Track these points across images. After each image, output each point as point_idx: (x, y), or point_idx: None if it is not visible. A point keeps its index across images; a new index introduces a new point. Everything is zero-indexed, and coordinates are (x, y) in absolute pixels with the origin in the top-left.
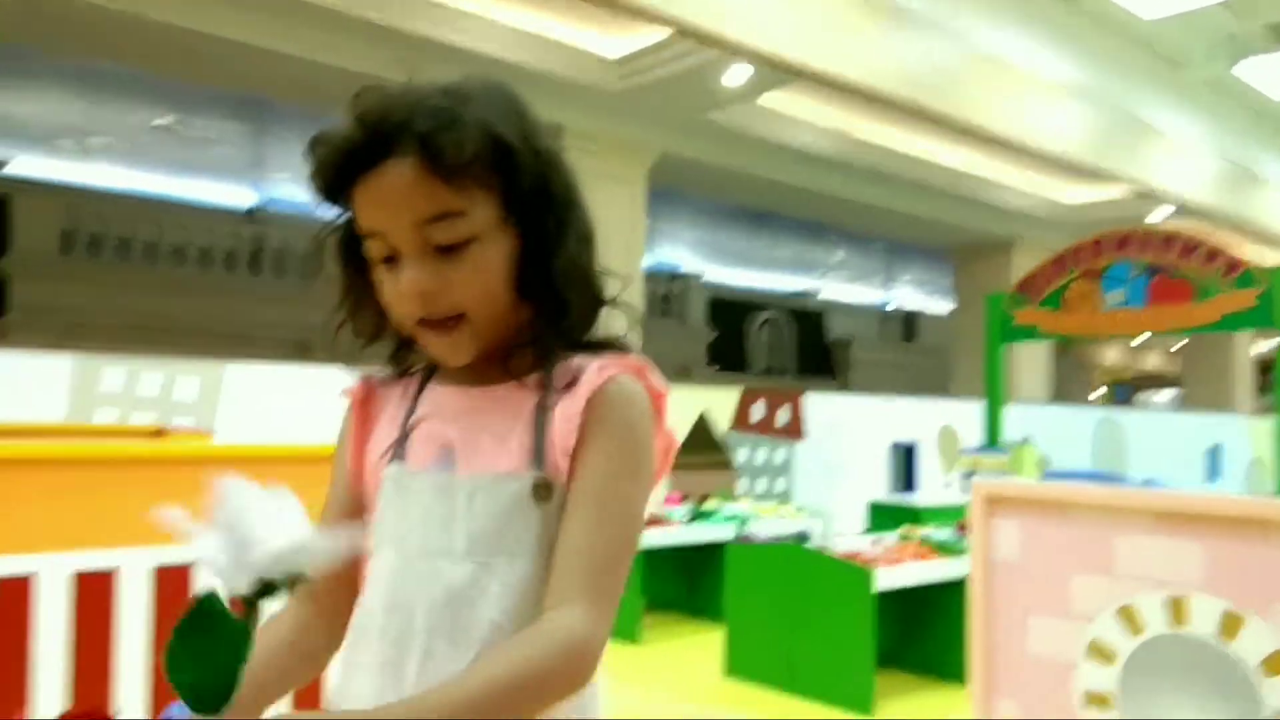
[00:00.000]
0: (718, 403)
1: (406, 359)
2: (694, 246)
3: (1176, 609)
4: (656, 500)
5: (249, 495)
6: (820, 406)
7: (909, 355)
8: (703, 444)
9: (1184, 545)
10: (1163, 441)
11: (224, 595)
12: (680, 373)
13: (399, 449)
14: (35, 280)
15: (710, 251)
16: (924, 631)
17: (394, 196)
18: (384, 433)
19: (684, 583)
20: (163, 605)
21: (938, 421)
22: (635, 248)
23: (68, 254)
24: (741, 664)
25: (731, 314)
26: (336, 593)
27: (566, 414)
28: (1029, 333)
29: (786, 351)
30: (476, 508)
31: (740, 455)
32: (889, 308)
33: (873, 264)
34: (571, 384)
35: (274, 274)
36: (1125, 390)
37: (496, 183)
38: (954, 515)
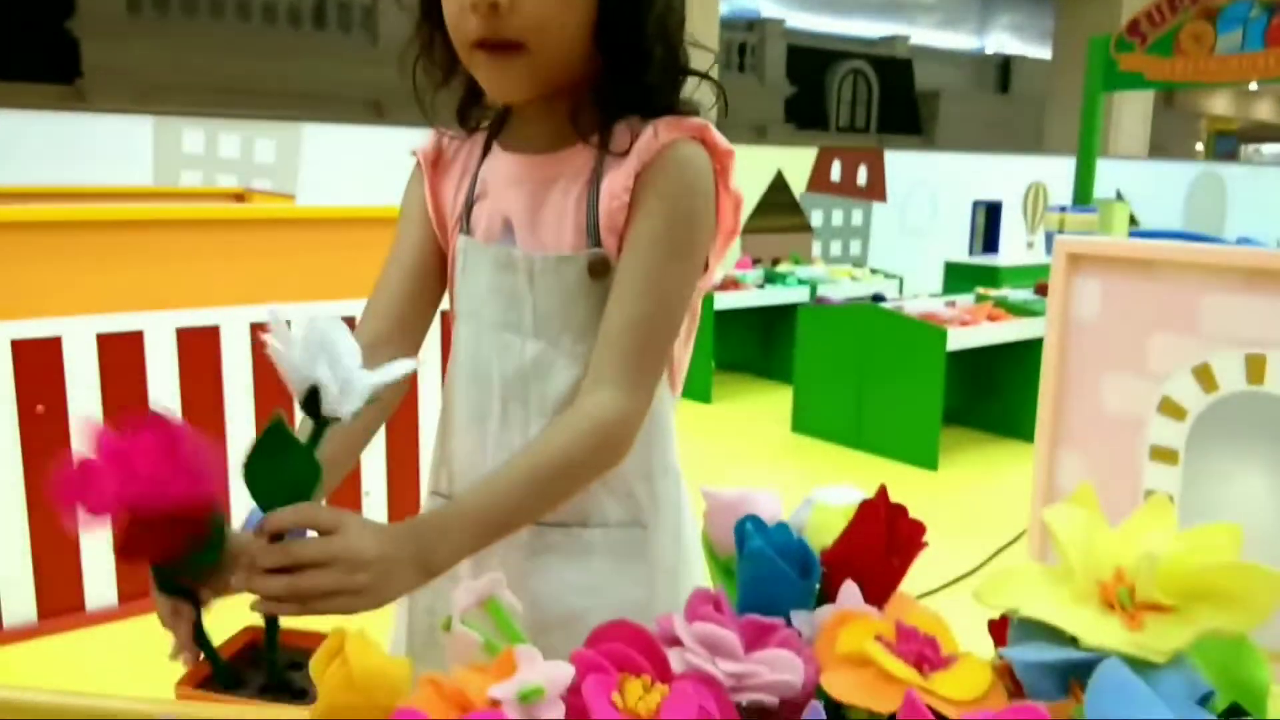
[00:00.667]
0: (794, 162)
1: (473, 113)
2: None
3: (1254, 367)
4: (728, 264)
5: (335, 329)
6: (902, 165)
7: (1002, 107)
8: (778, 206)
9: (1272, 303)
10: (1265, 198)
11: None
12: (756, 132)
13: (465, 219)
14: (105, 40)
15: None
16: (993, 391)
17: None
18: (451, 198)
19: (756, 345)
20: (260, 359)
21: (1027, 178)
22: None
23: (135, 12)
24: (809, 421)
25: (812, 65)
26: (408, 338)
27: (614, 188)
28: (1134, 80)
29: (870, 106)
30: (539, 286)
31: (815, 218)
32: (984, 54)
33: (967, 6)
34: (631, 149)
35: (340, 29)
36: (1230, 142)
37: None
38: (1033, 275)
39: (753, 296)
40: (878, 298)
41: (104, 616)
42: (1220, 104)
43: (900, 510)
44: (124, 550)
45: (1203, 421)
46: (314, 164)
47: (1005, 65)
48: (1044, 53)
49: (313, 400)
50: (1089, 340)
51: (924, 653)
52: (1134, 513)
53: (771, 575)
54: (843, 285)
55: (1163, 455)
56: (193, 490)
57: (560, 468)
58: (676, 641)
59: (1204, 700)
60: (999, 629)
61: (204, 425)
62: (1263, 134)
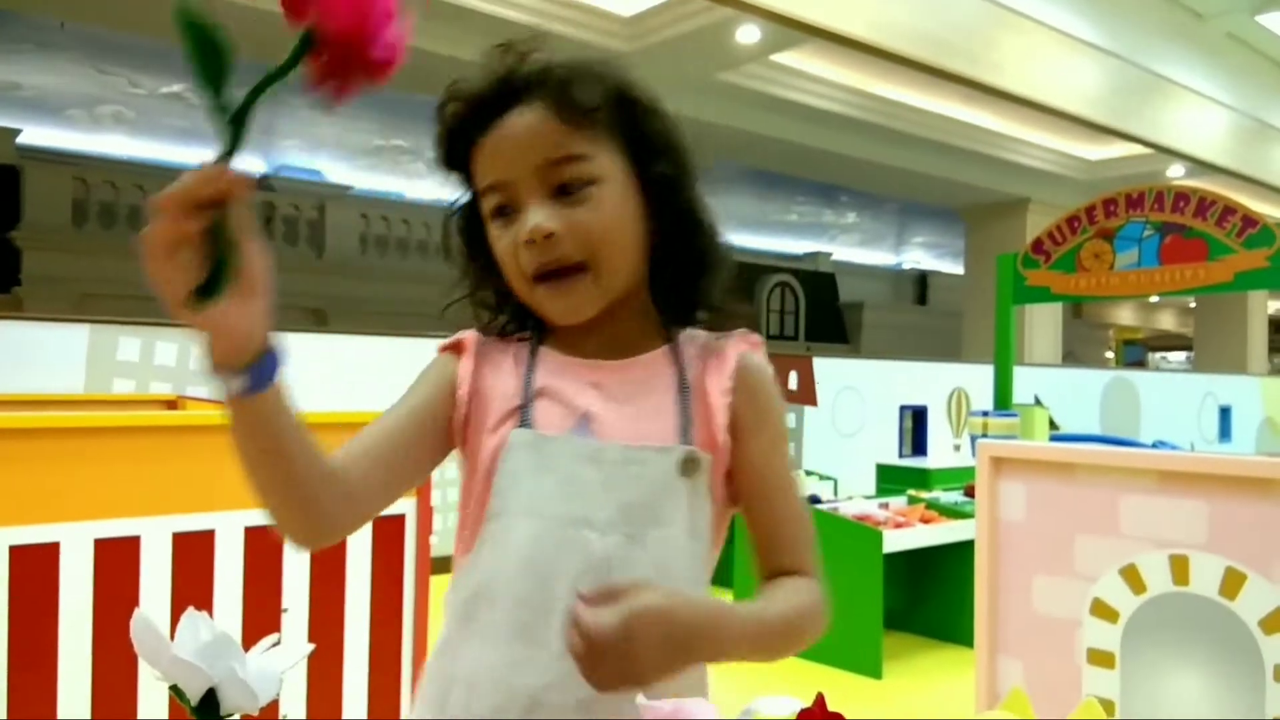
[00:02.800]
0: None
1: (511, 329)
2: None
3: (1178, 567)
4: None
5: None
6: (830, 371)
7: (921, 317)
8: None
9: (1187, 505)
10: (1174, 402)
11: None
12: None
13: (525, 416)
14: (47, 250)
15: (721, 215)
16: (932, 594)
17: (518, 140)
18: (498, 392)
19: None
20: (181, 572)
21: (948, 384)
22: None
23: (80, 225)
24: None
25: (743, 278)
26: (371, 485)
27: (719, 388)
28: (1041, 294)
29: (797, 315)
30: (626, 478)
31: None
32: (901, 269)
33: (885, 226)
34: (711, 357)
35: (286, 242)
36: (1138, 351)
37: (622, 135)
38: (962, 478)
39: None
40: (813, 499)
41: None
42: (1126, 315)
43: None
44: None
45: (1135, 623)
46: None
47: (922, 279)
48: (957, 268)
49: (210, 702)
50: (1018, 542)
51: None
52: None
53: None
54: None
55: (1100, 659)
56: None
57: (800, 624)
58: None
59: None
60: None
61: (119, 638)
62: (1168, 342)
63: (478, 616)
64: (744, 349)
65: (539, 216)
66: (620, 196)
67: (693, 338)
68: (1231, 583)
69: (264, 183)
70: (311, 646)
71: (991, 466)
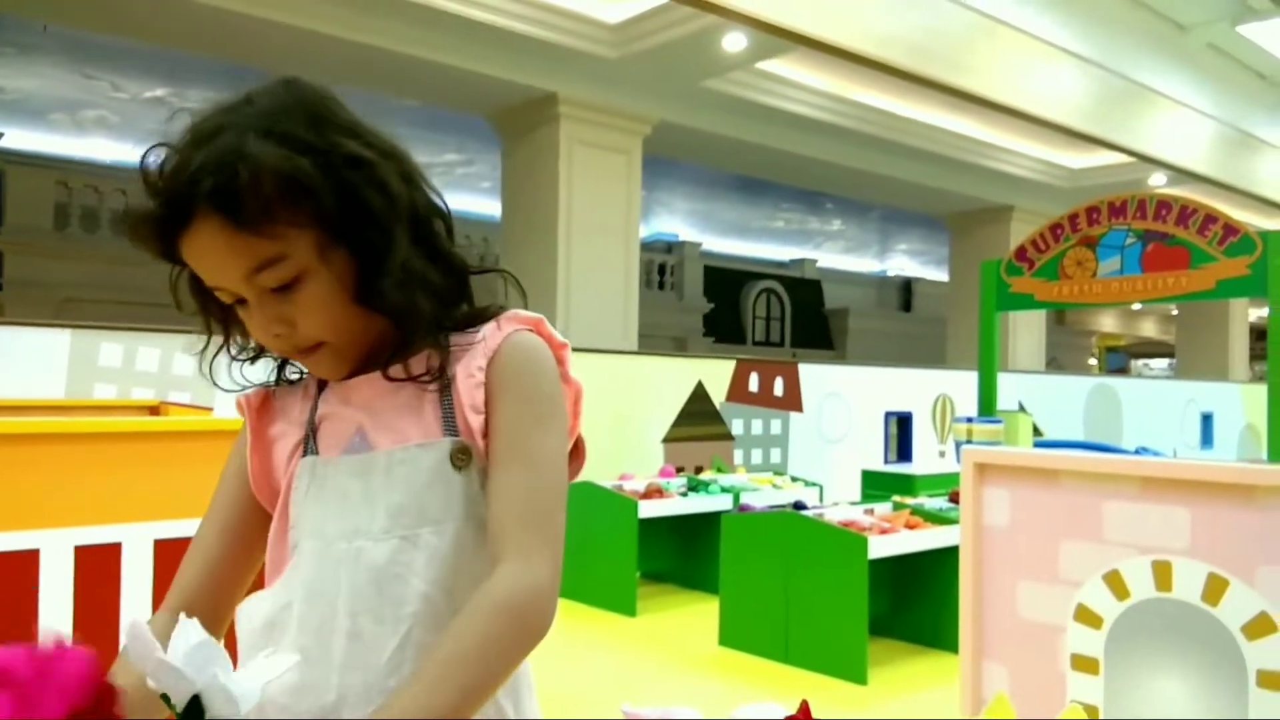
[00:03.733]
0: (713, 374)
1: (292, 369)
2: (690, 217)
3: (1161, 574)
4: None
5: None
6: (816, 377)
7: (905, 324)
8: (699, 415)
9: (1170, 511)
10: (1156, 409)
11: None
12: (677, 344)
13: (309, 443)
14: (29, 255)
15: (706, 222)
16: (917, 601)
17: (212, 257)
18: (287, 436)
19: (679, 554)
20: (163, 578)
21: (933, 391)
22: (631, 218)
23: (62, 229)
24: (736, 635)
25: (728, 285)
26: (218, 613)
27: (468, 372)
28: (1024, 301)
29: (783, 322)
30: (395, 481)
31: (736, 426)
32: (886, 276)
33: (869, 233)
34: (471, 345)
35: None
36: (1120, 358)
37: (307, 214)
38: (947, 484)
39: (676, 504)
40: (799, 505)
41: None
42: (1109, 322)
43: None
44: None
45: (1119, 629)
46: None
47: (907, 286)
48: (941, 275)
49: (195, 709)
50: (1003, 548)
51: None
52: None
53: None
54: (765, 493)
55: (1084, 664)
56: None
57: (481, 653)
58: None
59: None
60: None
61: (99, 645)
62: (1150, 349)
63: (270, 644)
64: (510, 329)
65: (261, 319)
66: (330, 280)
67: (462, 337)
68: (1214, 589)
69: None
70: (297, 658)
71: (976, 473)
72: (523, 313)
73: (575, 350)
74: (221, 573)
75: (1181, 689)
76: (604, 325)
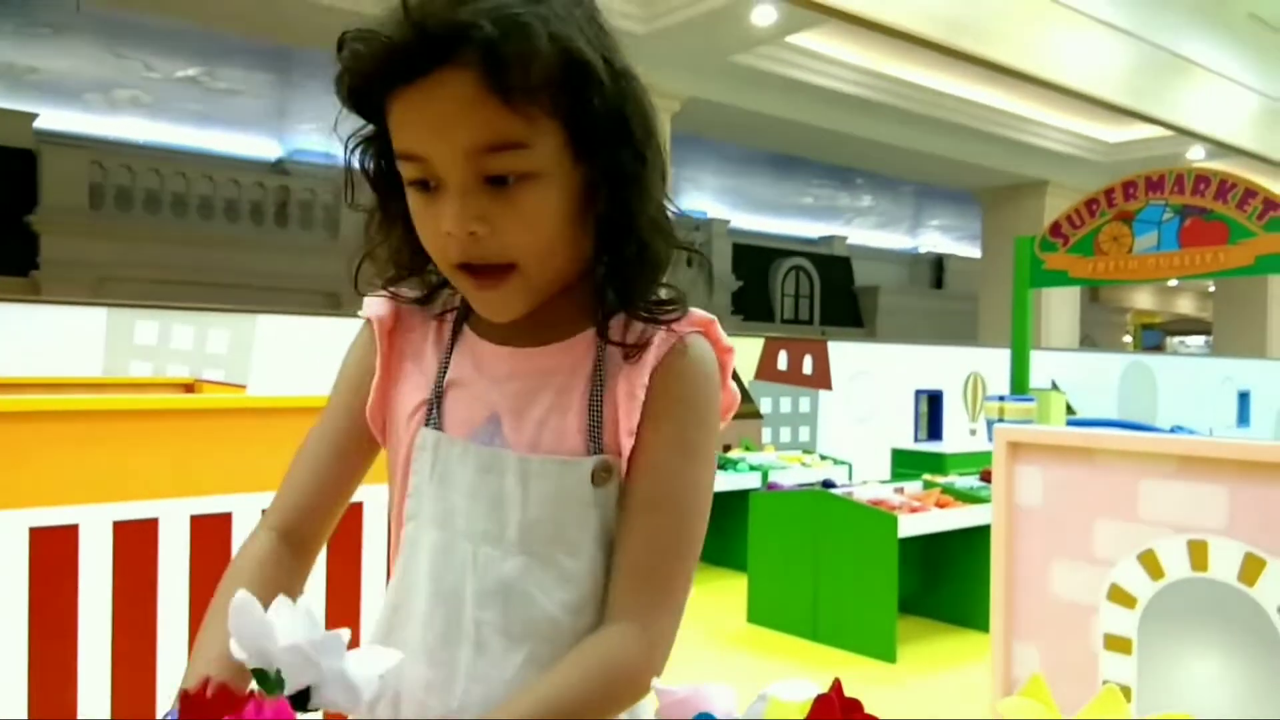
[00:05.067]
0: (743, 351)
1: (438, 296)
2: (719, 193)
3: (1197, 553)
4: None
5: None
6: (845, 355)
7: (937, 302)
8: None
9: (1207, 490)
10: (1192, 387)
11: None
12: None
13: (433, 410)
14: (65, 235)
15: (735, 198)
16: (945, 579)
17: (445, 116)
18: (412, 382)
19: (708, 533)
20: (200, 554)
21: (964, 369)
22: None
23: (96, 208)
24: (764, 612)
25: (756, 262)
26: (318, 533)
27: (630, 389)
28: (1059, 278)
29: (812, 300)
30: (531, 493)
31: (765, 405)
32: (917, 253)
33: (901, 209)
34: (634, 350)
35: (301, 226)
36: (1156, 335)
37: (567, 108)
38: (977, 463)
39: None
40: (828, 484)
41: None
42: (1144, 299)
43: (855, 705)
44: None
45: (1153, 609)
46: (268, 354)
47: (939, 263)
48: (974, 251)
49: (303, 695)
50: (1036, 527)
51: None
52: (1086, 705)
53: None
54: (793, 471)
55: (1117, 644)
56: None
57: (576, 709)
58: None
59: None
60: None
61: (139, 619)
62: (1186, 327)
63: (397, 629)
64: (681, 333)
65: (462, 212)
66: (560, 192)
67: (627, 324)
68: (1251, 568)
69: (279, 167)
70: (401, 654)
71: (1009, 451)
72: (697, 312)
73: None
74: (326, 492)
75: (1216, 669)
76: None
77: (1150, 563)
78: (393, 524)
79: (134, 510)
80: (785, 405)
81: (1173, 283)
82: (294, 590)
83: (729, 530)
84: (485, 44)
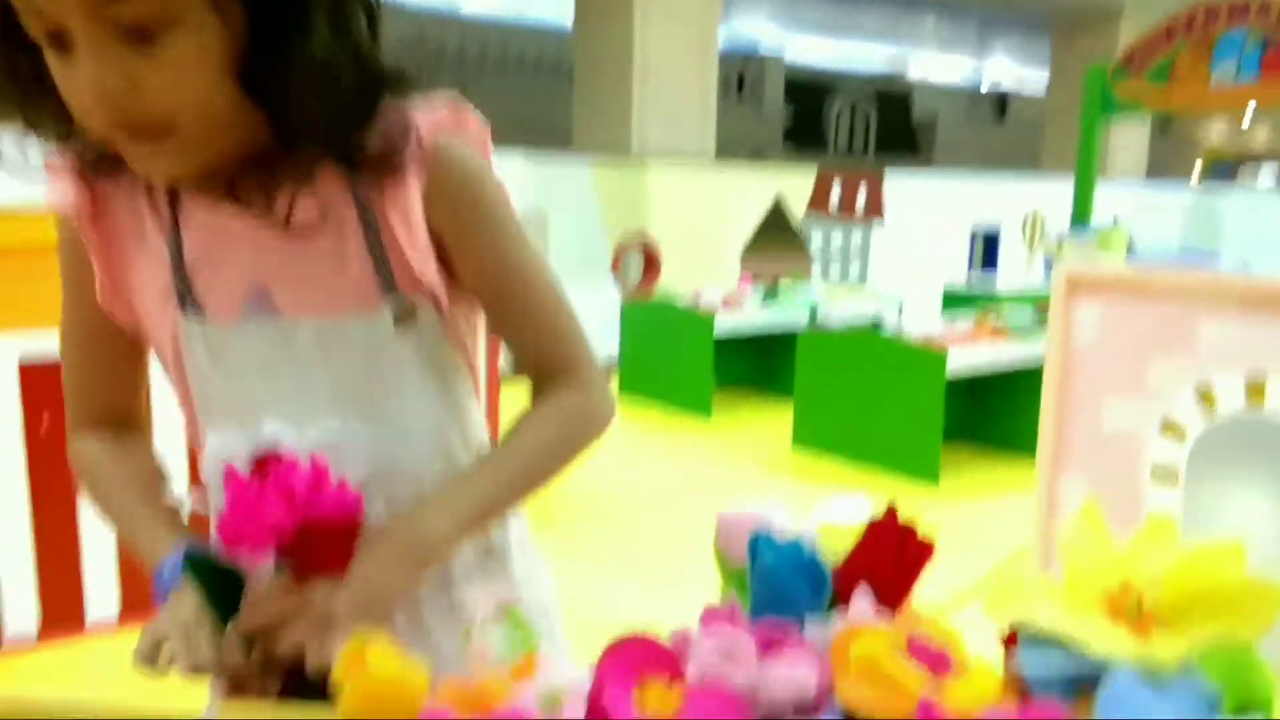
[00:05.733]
0: (794, 184)
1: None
2: (773, 17)
3: (1254, 391)
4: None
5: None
6: (901, 188)
7: (998, 136)
8: (777, 227)
9: (1267, 328)
10: (1261, 223)
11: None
12: (754, 154)
13: (186, 295)
14: None
15: (790, 21)
16: (994, 408)
17: None
18: (143, 266)
19: (755, 363)
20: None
21: (1024, 203)
22: (709, 22)
23: None
24: (810, 435)
25: (810, 95)
26: (134, 409)
27: (405, 219)
28: (1132, 107)
29: (868, 135)
30: (335, 356)
31: (816, 239)
32: (980, 87)
33: (965, 35)
34: (391, 170)
35: None
36: (1227, 168)
37: None
38: (1032, 300)
39: (752, 317)
40: (875, 320)
41: (105, 629)
42: (1216, 135)
43: (910, 531)
44: (303, 567)
45: (1203, 443)
46: None
47: (1002, 100)
48: (1039, 87)
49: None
50: (1090, 363)
51: (935, 663)
52: (1138, 530)
53: (784, 591)
54: (841, 305)
55: (1163, 476)
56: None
57: (556, 453)
58: (691, 652)
59: (1212, 705)
60: (1010, 641)
61: None
62: (1260, 160)
63: None
64: (435, 140)
65: (96, 71)
66: (208, 34)
67: (364, 165)
68: None
69: None
70: None
71: (1068, 288)
72: (430, 104)
73: (651, 157)
74: (117, 373)
75: (1261, 504)
76: (680, 130)
77: (1205, 398)
78: (185, 419)
79: None
80: (837, 239)
81: (1245, 124)
82: (156, 466)
83: (775, 362)
84: None
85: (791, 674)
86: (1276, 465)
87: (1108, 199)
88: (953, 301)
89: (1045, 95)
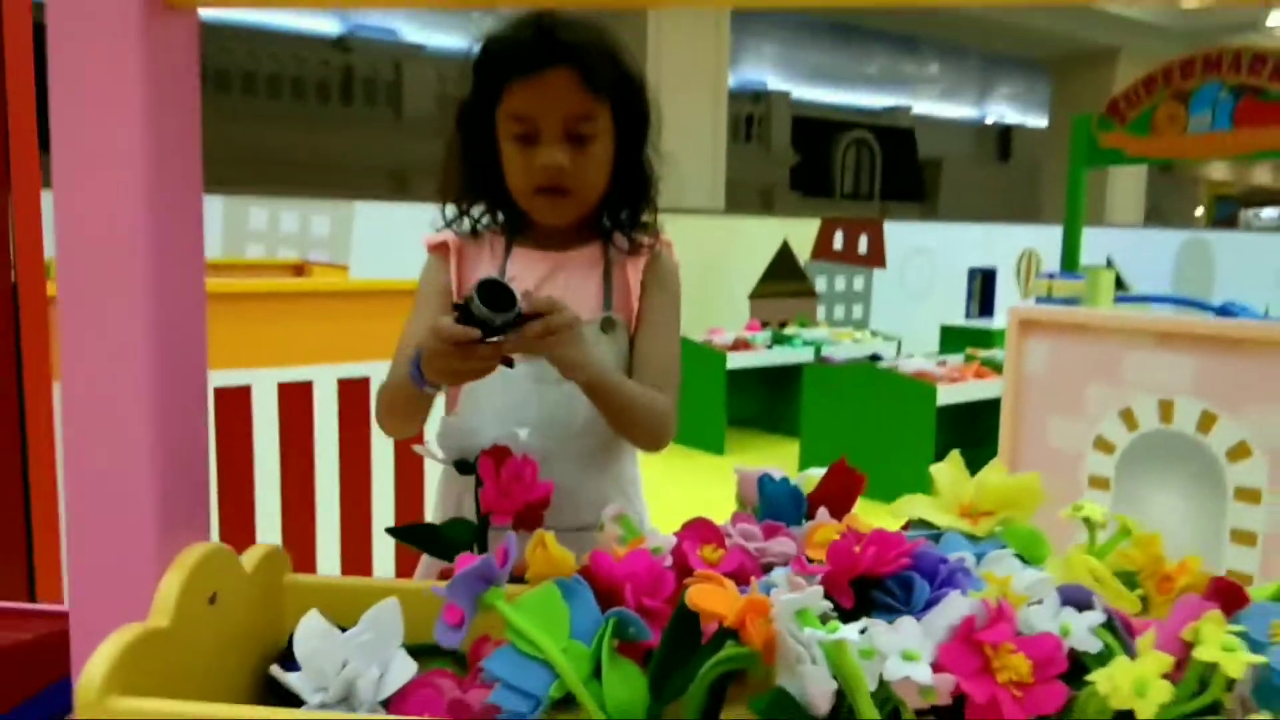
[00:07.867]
0: (799, 232)
1: (482, 234)
2: (779, 63)
3: (1165, 409)
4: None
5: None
6: (901, 233)
7: (1002, 175)
8: (784, 272)
9: (1178, 359)
10: (1255, 264)
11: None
12: (762, 197)
13: None
14: None
15: (796, 68)
16: (980, 441)
17: (555, 95)
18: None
19: (764, 401)
20: (288, 417)
21: (1022, 245)
22: (719, 66)
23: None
24: (815, 462)
25: (817, 135)
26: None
27: (632, 275)
28: (1114, 156)
29: (874, 173)
30: None
31: (820, 283)
32: (983, 123)
33: (967, 78)
34: (634, 249)
35: (365, 104)
36: (1230, 206)
37: (616, 103)
38: None
39: (761, 356)
40: (875, 358)
41: None
42: (1218, 170)
43: (851, 473)
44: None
45: (1128, 454)
46: (365, 238)
47: (1006, 134)
48: (1041, 121)
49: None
50: (1038, 390)
51: (860, 536)
52: (983, 469)
53: (779, 505)
54: (845, 346)
55: (1098, 483)
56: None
57: (646, 406)
58: (728, 532)
59: (1001, 552)
60: (904, 529)
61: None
62: (1262, 197)
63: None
64: (661, 246)
65: (558, 156)
66: (607, 145)
67: (619, 240)
68: (1206, 421)
69: (341, 44)
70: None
71: (1020, 328)
72: (665, 235)
73: (663, 211)
74: None
75: (1176, 502)
76: (691, 180)
77: (1128, 417)
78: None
79: (294, 374)
80: (840, 284)
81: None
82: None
83: (782, 400)
84: (582, 55)
85: (782, 547)
86: (1186, 470)
87: (1104, 242)
88: (951, 338)
89: (1045, 135)
